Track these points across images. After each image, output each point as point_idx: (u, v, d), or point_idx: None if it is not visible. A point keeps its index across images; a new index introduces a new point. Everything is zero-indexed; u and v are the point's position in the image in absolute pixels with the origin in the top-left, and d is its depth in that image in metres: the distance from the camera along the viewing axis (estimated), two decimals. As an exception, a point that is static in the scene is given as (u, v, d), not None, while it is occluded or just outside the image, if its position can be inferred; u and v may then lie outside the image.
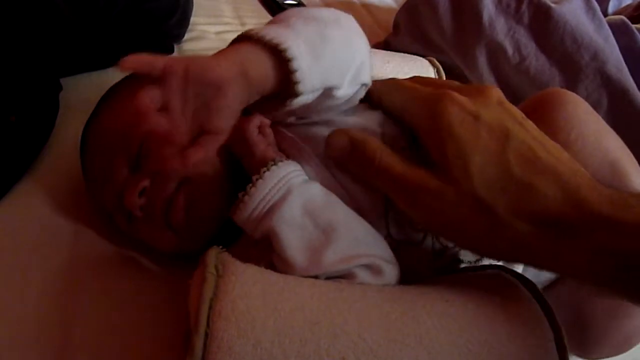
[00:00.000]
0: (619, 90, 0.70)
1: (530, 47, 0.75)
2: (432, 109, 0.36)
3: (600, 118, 0.46)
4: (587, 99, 0.72)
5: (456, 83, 0.41)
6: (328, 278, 0.37)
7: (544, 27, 0.75)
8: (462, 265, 0.44)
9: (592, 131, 0.43)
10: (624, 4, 0.86)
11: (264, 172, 0.39)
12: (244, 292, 0.31)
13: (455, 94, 0.36)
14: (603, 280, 0.30)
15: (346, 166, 0.41)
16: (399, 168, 0.37)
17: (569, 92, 0.46)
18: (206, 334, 0.29)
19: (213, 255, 0.34)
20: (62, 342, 0.40)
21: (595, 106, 0.72)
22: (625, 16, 0.77)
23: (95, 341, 0.41)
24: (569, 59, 0.73)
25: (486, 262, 0.44)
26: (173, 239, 0.45)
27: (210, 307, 0.30)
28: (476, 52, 0.77)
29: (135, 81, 0.48)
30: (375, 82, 0.43)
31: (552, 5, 0.74)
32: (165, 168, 0.42)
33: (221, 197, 0.44)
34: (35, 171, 0.53)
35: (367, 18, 1.05)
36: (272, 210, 0.38)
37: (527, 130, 0.35)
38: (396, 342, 0.32)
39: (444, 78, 0.66)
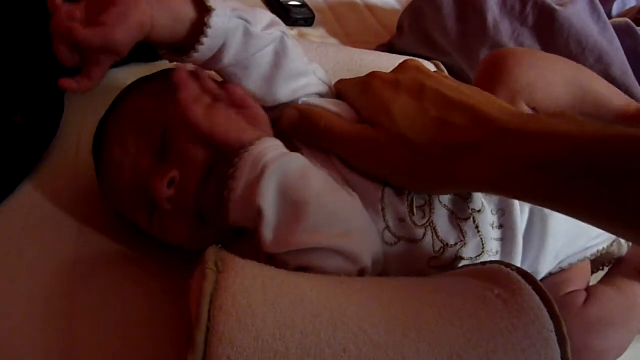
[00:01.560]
0: (624, 92, 0.70)
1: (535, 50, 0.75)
2: (363, 88, 0.45)
3: (543, 59, 0.54)
4: (592, 101, 0.73)
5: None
6: (298, 269, 0.37)
7: (549, 29, 0.75)
8: (463, 263, 0.45)
9: (534, 78, 0.50)
10: (628, 6, 0.86)
11: (243, 153, 0.39)
12: (244, 287, 0.31)
13: (379, 72, 0.45)
14: (515, 185, 0.35)
15: (299, 135, 0.45)
16: (340, 125, 0.43)
17: (511, 50, 0.55)
18: (207, 329, 0.29)
19: (213, 252, 0.34)
20: (66, 341, 0.41)
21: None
22: (630, 18, 0.77)
23: (99, 340, 0.41)
24: (573, 61, 0.73)
25: (486, 259, 0.45)
26: (200, 230, 0.44)
27: (211, 302, 0.30)
28: (480, 54, 0.77)
29: (154, 80, 0.48)
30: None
31: (557, 7, 0.74)
32: (193, 154, 0.42)
33: None
34: (40, 171, 0.53)
35: (370, 19, 1.06)
36: (252, 190, 0.38)
37: (440, 82, 0.42)
38: (396, 333, 0.32)
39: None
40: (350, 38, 0.97)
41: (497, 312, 0.34)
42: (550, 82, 0.51)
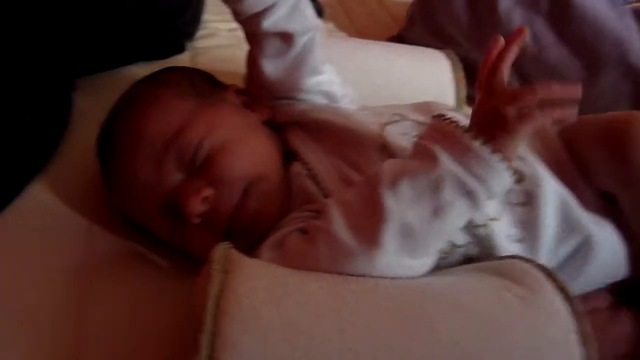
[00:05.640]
0: (643, 79, 0.68)
1: (549, 38, 0.73)
2: None
3: None
4: (609, 89, 0.70)
5: None
6: None
7: (563, 16, 0.73)
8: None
9: None
10: (647, -10, 0.83)
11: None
12: (249, 288, 0.30)
13: None
14: None
15: None
16: None
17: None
18: (212, 332, 0.28)
19: (220, 251, 0.34)
20: (75, 341, 0.41)
21: (618, 97, 0.70)
22: (649, 3, 0.75)
23: (108, 339, 0.41)
24: (589, 49, 0.71)
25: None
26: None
27: (216, 305, 0.29)
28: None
29: (160, 86, 0.48)
30: None
31: (571, -7, 0.72)
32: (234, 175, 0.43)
33: (282, 192, 0.45)
34: (49, 170, 0.53)
35: (380, 11, 1.04)
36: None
37: None
38: (406, 333, 0.31)
39: (460, 71, 0.64)
40: (360, 32, 0.95)
41: (515, 313, 0.33)
42: None
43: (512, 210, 0.44)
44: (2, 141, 0.50)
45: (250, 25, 0.48)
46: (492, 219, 0.43)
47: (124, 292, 0.44)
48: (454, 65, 0.65)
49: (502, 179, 0.35)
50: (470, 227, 0.42)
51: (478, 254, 0.43)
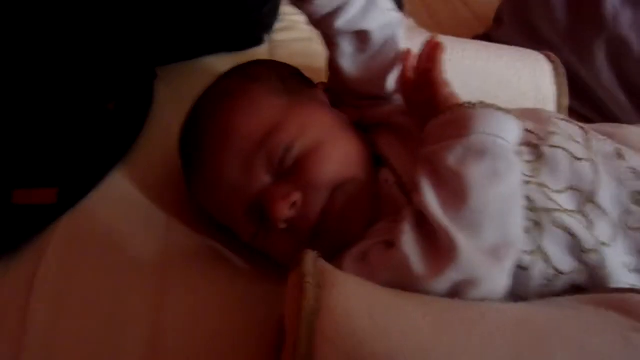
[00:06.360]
0: None
1: (661, 41, 0.66)
2: None
3: None
4: None
5: None
6: None
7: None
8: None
9: None
10: None
11: (478, 107, 0.38)
12: (348, 310, 0.27)
13: None
14: None
15: None
16: None
17: None
18: (306, 355, 0.25)
19: (310, 262, 0.31)
20: (153, 332, 0.40)
21: None
22: None
23: (185, 332, 0.40)
24: None
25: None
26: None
27: (311, 323, 0.26)
28: (594, 47, 0.69)
29: (251, 81, 0.46)
30: None
31: (694, -8, 0.64)
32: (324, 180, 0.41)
33: (370, 197, 0.43)
34: (129, 160, 0.52)
35: (462, 10, 0.99)
36: (471, 152, 0.36)
37: None
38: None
39: (563, 76, 0.59)
40: (441, 29, 0.91)
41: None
42: None
43: (630, 235, 0.39)
44: (86, 128, 0.50)
45: (324, 26, 0.46)
46: (603, 244, 0.38)
47: (199, 294, 0.43)
48: (556, 69, 0.59)
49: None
50: (578, 252, 0.38)
51: (586, 282, 0.38)
